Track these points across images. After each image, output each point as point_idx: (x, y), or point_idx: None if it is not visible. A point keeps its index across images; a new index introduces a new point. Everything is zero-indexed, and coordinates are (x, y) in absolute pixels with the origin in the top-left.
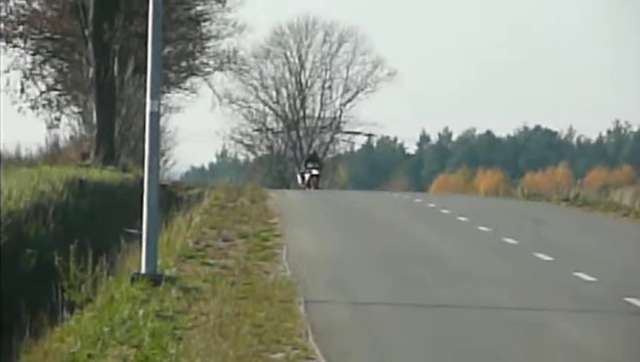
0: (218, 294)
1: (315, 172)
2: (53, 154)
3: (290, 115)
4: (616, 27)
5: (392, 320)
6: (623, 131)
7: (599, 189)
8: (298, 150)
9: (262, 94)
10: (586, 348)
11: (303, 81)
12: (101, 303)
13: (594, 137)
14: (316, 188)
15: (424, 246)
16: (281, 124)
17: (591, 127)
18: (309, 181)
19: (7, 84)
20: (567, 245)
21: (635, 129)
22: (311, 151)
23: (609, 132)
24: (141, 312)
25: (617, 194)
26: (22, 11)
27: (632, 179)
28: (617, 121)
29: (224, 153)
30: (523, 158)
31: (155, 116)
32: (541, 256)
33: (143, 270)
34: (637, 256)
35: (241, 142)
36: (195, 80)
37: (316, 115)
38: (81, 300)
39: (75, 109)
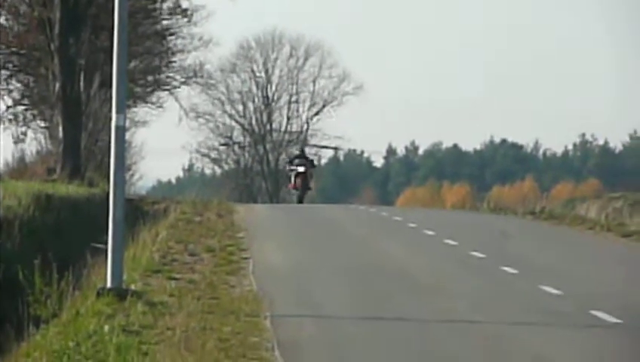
0: (184, 308)
1: (300, 169)
2: (20, 169)
3: (256, 129)
4: (582, 40)
5: (359, 334)
6: (588, 145)
7: (565, 203)
8: (265, 164)
9: (228, 108)
10: (551, 361)
11: (270, 94)
12: (67, 318)
13: (560, 151)
14: (304, 189)
15: (390, 260)
16: (247, 138)
17: (557, 141)
18: (294, 182)
19: None
20: (533, 258)
21: (600, 142)
22: (297, 150)
23: (575, 145)
24: (107, 327)
25: (583, 207)
26: None
27: (598, 193)
28: (583, 135)
29: (191, 167)
30: (489, 172)
31: (121, 130)
32: (507, 269)
33: (109, 284)
34: (602, 269)
35: (208, 156)
36: (162, 94)
37: (283, 128)
38: (47, 315)
39: (42, 124)
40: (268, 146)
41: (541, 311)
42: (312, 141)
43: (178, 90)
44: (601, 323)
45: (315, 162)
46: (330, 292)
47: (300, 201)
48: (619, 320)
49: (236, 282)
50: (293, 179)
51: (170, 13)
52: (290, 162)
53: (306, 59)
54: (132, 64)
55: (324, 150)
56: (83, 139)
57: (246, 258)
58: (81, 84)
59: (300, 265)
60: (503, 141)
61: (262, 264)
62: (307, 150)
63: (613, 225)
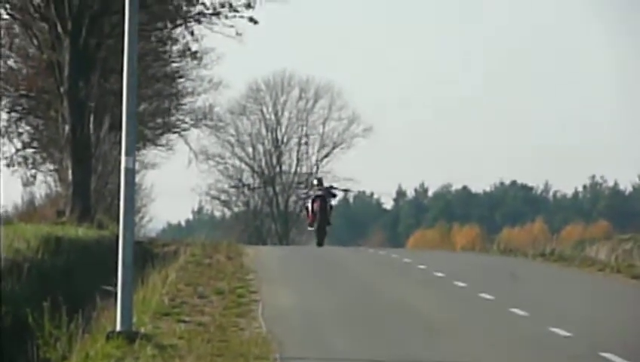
0: (194, 351)
1: (319, 193)
2: (29, 212)
3: (266, 171)
4: (588, 80)
5: None
6: (598, 186)
7: (575, 244)
8: (274, 206)
9: (238, 150)
10: None
11: (279, 136)
12: (76, 361)
13: (570, 192)
14: (324, 223)
15: (400, 303)
16: (257, 180)
17: (567, 182)
18: (312, 210)
19: None
20: (543, 300)
21: (610, 184)
22: (315, 178)
23: (585, 187)
24: None
25: (593, 249)
26: None
27: (608, 234)
28: (593, 176)
29: (200, 209)
30: (499, 213)
31: (131, 173)
32: (516, 311)
33: (119, 327)
34: (612, 311)
35: (218, 198)
36: (171, 136)
37: (292, 170)
38: (57, 358)
39: (51, 166)
40: (277, 188)
41: (551, 354)
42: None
43: (187, 132)
44: None
45: (336, 192)
46: (339, 334)
47: (320, 243)
48: None
49: (245, 324)
50: (310, 206)
51: (180, 56)
52: (307, 189)
53: (315, 101)
54: (142, 107)
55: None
56: (92, 182)
57: (255, 300)
58: (91, 126)
59: (309, 307)
60: (513, 183)
61: (271, 306)
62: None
63: (623, 266)
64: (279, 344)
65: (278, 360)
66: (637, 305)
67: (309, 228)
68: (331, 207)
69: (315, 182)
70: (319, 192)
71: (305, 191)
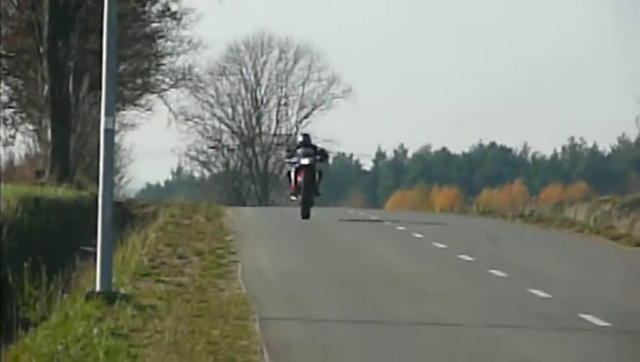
0: (173, 312)
1: (304, 161)
2: (8, 172)
3: (245, 132)
4: (569, 44)
5: (347, 337)
6: (577, 148)
7: (554, 206)
8: (254, 167)
9: (217, 111)
10: (533, 358)
11: (259, 97)
12: (56, 321)
13: (549, 154)
14: (310, 194)
15: (379, 263)
16: (236, 141)
17: (546, 144)
18: (295, 180)
19: None
20: (522, 262)
21: (589, 145)
22: (301, 135)
23: (564, 148)
24: (96, 330)
25: (572, 210)
26: None
27: (587, 196)
28: (572, 138)
29: (180, 170)
30: (478, 175)
31: (110, 133)
32: (495, 272)
33: (98, 288)
34: (591, 272)
35: (197, 159)
36: (151, 97)
37: (272, 131)
38: (36, 318)
39: (30, 127)
40: (257, 149)
41: (529, 315)
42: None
43: (167, 93)
44: (590, 326)
45: (328, 153)
46: (318, 295)
47: (306, 215)
48: (607, 323)
49: (225, 285)
50: (293, 175)
51: (160, 16)
52: (290, 152)
53: (295, 62)
54: (121, 67)
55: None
56: (72, 142)
57: (235, 261)
58: (70, 86)
59: (288, 268)
60: (492, 144)
61: (251, 267)
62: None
63: (601, 227)
64: (259, 304)
65: (257, 320)
66: (616, 266)
67: (292, 199)
68: (321, 173)
69: (300, 138)
70: (305, 161)
71: (289, 154)
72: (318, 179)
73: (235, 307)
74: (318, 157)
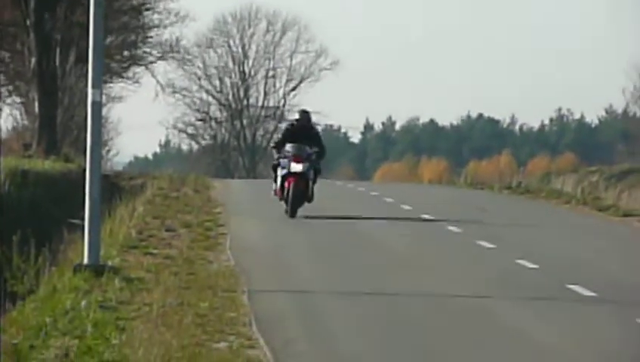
0: (161, 284)
1: (296, 168)
2: None
3: (233, 104)
4: (557, 16)
5: (336, 308)
6: (565, 119)
7: (541, 177)
8: (242, 139)
9: (205, 83)
10: (528, 334)
11: (247, 70)
12: (44, 294)
13: (536, 125)
14: (298, 201)
15: (368, 235)
16: (224, 114)
17: (533, 116)
18: (282, 185)
19: None
20: (510, 233)
21: (577, 117)
22: (296, 117)
23: (551, 120)
24: (84, 303)
25: (559, 181)
26: None
27: (574, 167)
28: (559, 109)
29: (167, 143)
30: (466, 147)
31: (97, 106)
32: (484, 243)
33: (86, 261)
34: (578, 243)
35: (185, 131)
36: (138, 69)
37: (260, 103)
38: (24, 291)
39: (17, 100)
40: (245, 121)
41: (517, 285)
42: (289, 116)
43: (154, 65)
44: (577, 297)
45: (325, 147)
46: (307, 267)
47: (292, 214)
48: (594, 294)
49: (213, 257)
50: (279, 180)
51: None
52: (279, 145)
53: (282, 34)
54: (108, 39)
55: None
56: (59, 115)
57: (223, 233)
58: (57, 59)
59: (276, 240)
60: (480, 116)
61: (239, 239)
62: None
63: (589, 198)
64: (247, 277)
65: (246, 292)
66: (603, 237)
67: (278, 199)
68: (317, 172)
69: (297, 116)
70: (297, 167)
71: (277, 143)
72: (313, 182)
73: (224, 279)
74: (314, 156)
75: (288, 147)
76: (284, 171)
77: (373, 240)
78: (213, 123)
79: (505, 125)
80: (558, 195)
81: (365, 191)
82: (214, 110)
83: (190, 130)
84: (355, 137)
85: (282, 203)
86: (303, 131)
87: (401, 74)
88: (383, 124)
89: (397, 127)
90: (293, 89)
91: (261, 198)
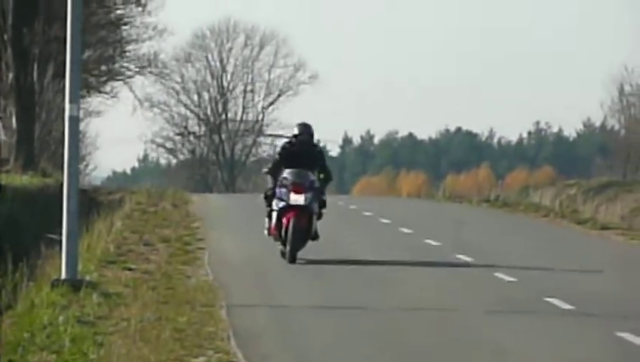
0: (139, 299)
1: (297, 199)
2: None
3: (212, 119)
4: (533, 29)
5: (314, 323)
6: (543, 133)
7: (520, 190)
8: (220, 153)
9: (183, 98)
10: (509, 348)
11: (225, 84)
12: (21, 309)
13: (514, 139)
14: (300, 241)
15: (346, 251)
16: (203, 128)
17: (511, 129)
18: (279, 221)
19: None
20: (488, 246)
21: (555, 130)
22: (296, 128)
23: (529, 133)
24: (61, 318)
25: (537, 194)
26: None
27: (552, 180)
28: (538, 123)
29: (146, 157)
30: (445, 160)
31: (75, 120)
32: (462, 256)
33: (64, 275)
34: (556, 256)
35: (163, 146)
36: (116, 84)
37: (238, 118)
38: (1, 306)
39: None
40: (223, 136)
41: (496, 299)
42: (268, 130)
43: (132, 79)
44: (555, 310)
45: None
46: (285, 282)
47: (291, 259)
48: (572, 307)
49: (192, 272)
50: (275, 216)
51: (124, 2)
52: (274, 170)
53: (260, 49)
54: (86, 54)
55: (280, 139)
56: (36, 130)
57: (202, 248)
58: (35, 74)
59: (255, 254)
60: (458, 129)
61: (217, 254)
62: (315, 135)
63: (567, 212)
64: (226, 291)
65: (224, 307)
66: (580, 250)
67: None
68: (322, 203)
69: (296, 131)
70: (299, 199)
71: (271, 166)
72: (317, 217)
73: (202, 294)
74: (317, 184)
75: (286, 173)
76: (282, 204)
77: (354, 254)
78: (191, 137)
79: (483, 138)
80: (537, 209)
81: (344, 204)
82: (193, 124)
83: (168, 144)
84: (334, 151)
85: (279, 244)
86: (303, 151)
87: (379, 88)
88: (361, 137)
89: (375, 140)
90: (272, 103)
91: (239, 213)
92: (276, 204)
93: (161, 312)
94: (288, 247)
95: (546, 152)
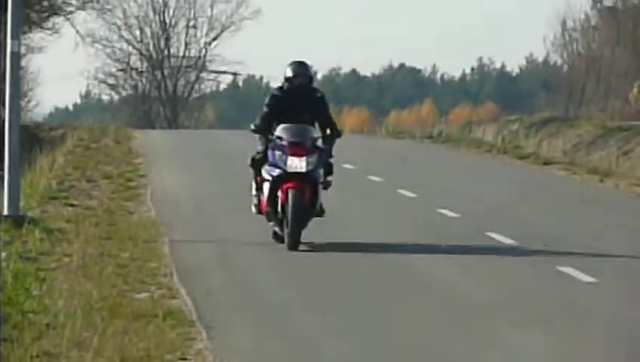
0: (82, 235)
1: (298, 166)
2: None
3: (154, 55)
4: None
5: (256, 258)
6: (486, 68)
7: (462, 126)
8: (163, 90)
9: (125, 34)
10: (451, 282)
11: (167, 19)
12: None
13: (457, 75)
14: (302, 225)
15: None
16: (145, 64)
17: (454, 65)
18: (273, 195)
19: None
20: (431, 182)
21: (498, 66)
22: (289, 69)
23: (472, 69)
24: (4, 254)
25: (480, 130)
26: None
27: (495, 116)
28: (480, 59)
29: (88, 93)
30: (388, 96)
31: (16, 57)
32: (405, 192)
33: (6, 211)
34: (499, 191)
35: (105, 82)
36: (57, 19)
37: (181, 54)
38: None
39: None
40: (166, 72)
41: (439, 234)
42: (211, 67)
43: (74, 15)
44: (498, 245)
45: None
46: (227, 217)
47: (293, 245)
48: (514, 242)
49: (134, 208)
50: (267, 187)
51: None
52: (262, 126)
53: None
54: None
55: (222, 75)
56: None
57: (144, 184)
58: None
59: (197, 190)
60: (402, 65)
61: (160, 190)
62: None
63: (509, 147)
64: (168, 227)
65: (167, 243)
66: (523, 185)
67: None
68: (328, 169)
69: (289, 73)
70: (299, 164)
71: (260, 131)
72: (324, 186)
73: (144, 230)
74: (322, 143)
75: (280, 130)
76: (277, 172)
77: None
78: (133, 73)
79: (426, 75)
80: (479, 144)
81: None
82: (135, 60)
83: (111, 80)
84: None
85: (271, 225)
86: (300, 99)
87: (322, 24)
88: None
89: (319, 76)
90: (215, 39)
91: (182, 149)
92: (268, 172)
93: (103, 248)
94: (287, 229)
95: (489, 88)
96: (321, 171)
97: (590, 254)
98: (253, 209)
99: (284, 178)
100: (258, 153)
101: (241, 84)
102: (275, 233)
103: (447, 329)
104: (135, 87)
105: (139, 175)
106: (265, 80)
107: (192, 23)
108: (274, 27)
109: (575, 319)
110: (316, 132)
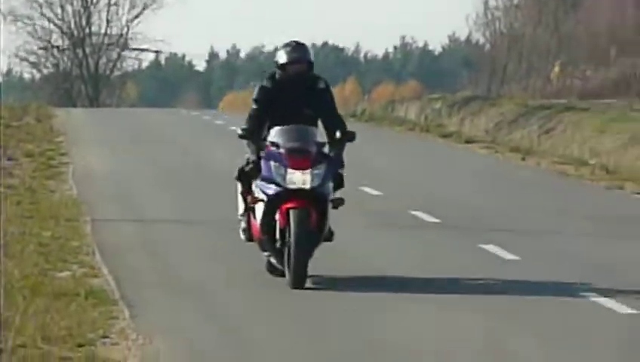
0: (3, 213)
1: (300, 181)
2: None
3: (75, 32)
4: None
5: (178, 236)
6: (408, 47)
7: (385, 104)
8: (84, 68)
9: (47, 11)
10: (370, 260)
11: None
12: None
13: (380, 53)
14: (307, 256)
15: (211, 163)
16: (66, 42)
17: (377, 44)
18: (268, 218)
19: None
20: (353, 160)
21: (420, 44)
22: (283, 52)
23: (395, 48)
24: None
25: (403, 108)
26: None
27: (418, 94)
28: (403, 37)
29: (9, 72)
30: None
31: None
32: None
33: None
34: (422, 170)
35: (27, 60)
36: None
37: (102, 31)
38: None
39: None
40: (87, 50)
41: (362, 213)
42: (133, 44)
43: None
44: (420, 223)
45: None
46: (150, 195)
47: (298, 283)
48: (437, 220)
49: (56, 187)
50: (261, 208)
51: None
52: (252, 128)
53: None
54: None
55: (144, 54)
56: None
57: (66, 163)
58: None
59: (120, 169)
60: (325, 44)
61: (82, 168)
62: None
63: (432, 126)
64: (90, 206)
65: (89, 222)
66: (445, 163)
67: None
68: (339, 182)
69: (284, 58)
70: (303, 178)
71: (250, 135)
72: (333, 205)
73: (66, 208)
74: (328, 149)
75: (275, 134)
76: (273, 189)
77: (216, 169)
78: (55, 51)
79: (350, 53)
80: (402, 122)
81: (210, 119)
82: (57, 38)
83: (32, 58)
84: (200, 66)
85: (266, 254)
86: (298, 91)
87: (245, 1)
88: (227, 52)
89: (242, 55)
90: (137, 16)
91: (103, 127)
92: (261, 189)
93: (25, 227)
94: (291, 264)
95: (412, 67)
96: (330, 185)
97: (513, 232)
98: (242, 235)
99: (283, 196)
100: (248, 163)
101: (163, 62)
102: (269, 263)
103: (360, 303)
104: (56, 66)
105: (60, 153)
106: (187, 58)
107: (113, 1)
108: (197, 5)
109: (494, 296)
110: (321, 134)
